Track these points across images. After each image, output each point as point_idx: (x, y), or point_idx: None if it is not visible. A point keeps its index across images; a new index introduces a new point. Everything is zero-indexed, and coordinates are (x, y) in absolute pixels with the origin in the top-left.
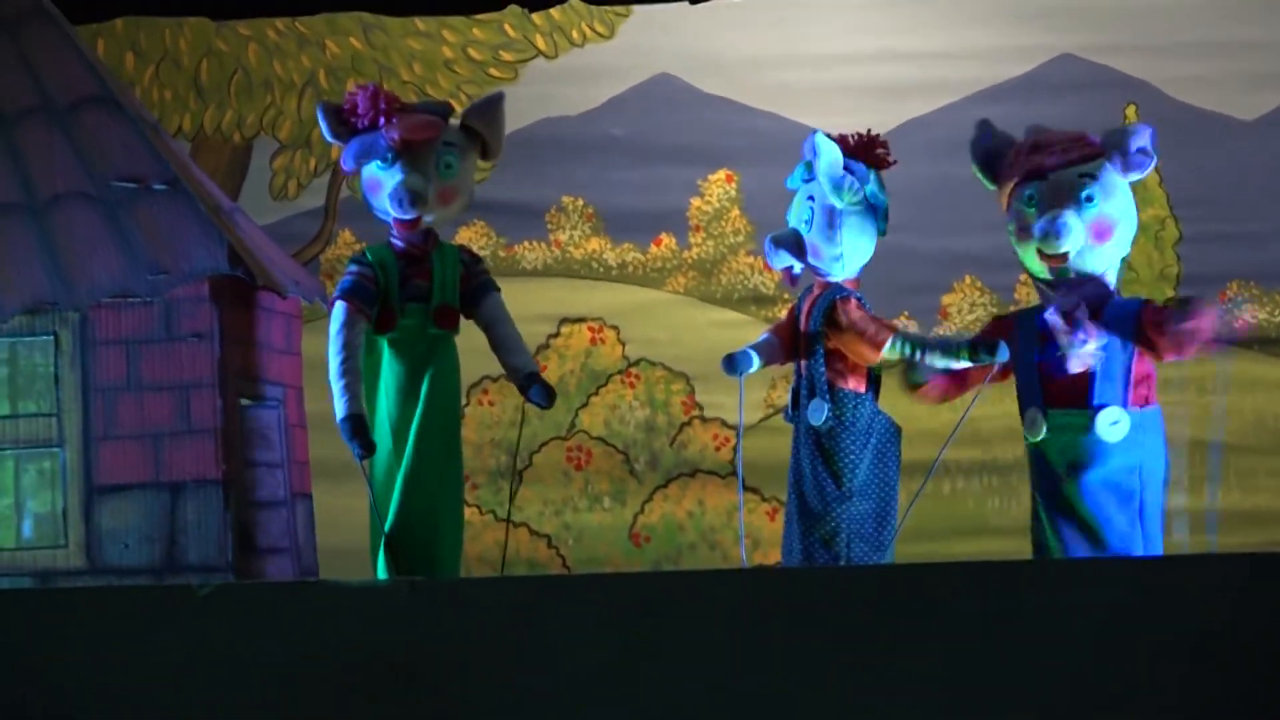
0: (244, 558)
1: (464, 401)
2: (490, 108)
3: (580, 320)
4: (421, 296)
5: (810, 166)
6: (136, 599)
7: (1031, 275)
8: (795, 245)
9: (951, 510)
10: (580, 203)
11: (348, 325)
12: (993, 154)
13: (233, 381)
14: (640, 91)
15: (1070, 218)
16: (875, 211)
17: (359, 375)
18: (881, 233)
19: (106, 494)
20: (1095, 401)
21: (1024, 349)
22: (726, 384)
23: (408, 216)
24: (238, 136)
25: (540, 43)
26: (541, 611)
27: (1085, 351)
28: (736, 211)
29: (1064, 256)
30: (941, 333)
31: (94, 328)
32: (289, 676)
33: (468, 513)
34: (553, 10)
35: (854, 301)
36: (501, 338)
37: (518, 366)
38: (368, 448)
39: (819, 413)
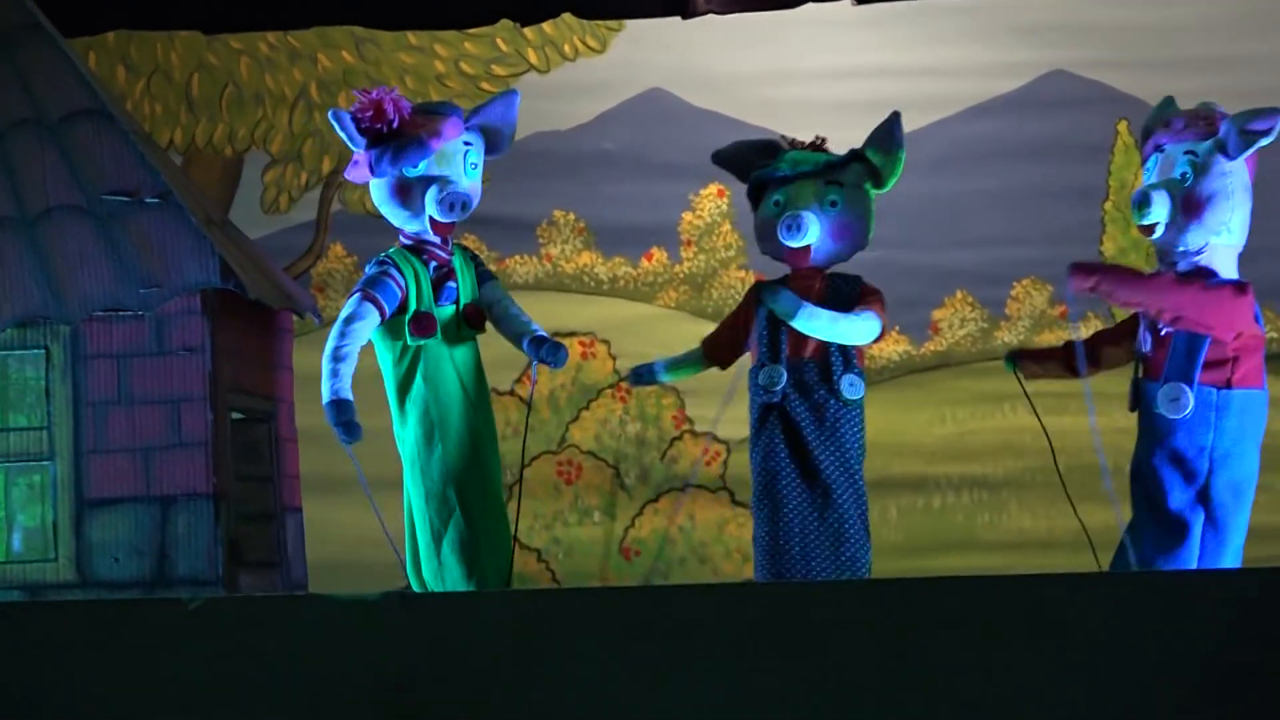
0: (234, 571)
1: None
2: (503, 104)
3: (571, 334)
4: (453, 299)
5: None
6: (126, 612)
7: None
8: None
9: (941, 525)
10: (571, 217)
11: (358, 313)
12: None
13: (224, 395)
14: (632, 106)
15: (1157, 192)
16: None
17: (352, 362)
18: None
19: (97, 507)
20: (1163, 377)
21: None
22: (717, 398)
23: (455, 220)
24: (229, 150)
25: (532, 57)
26: (532, 625)
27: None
28: (728, 226)
29: (1150, 229)
30: (932, 349)
31: (85, 341)
32: (279, 690)
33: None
34: (545, 25)
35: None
36: (502, 314)
37: (520, 334)
38: (353, 431)
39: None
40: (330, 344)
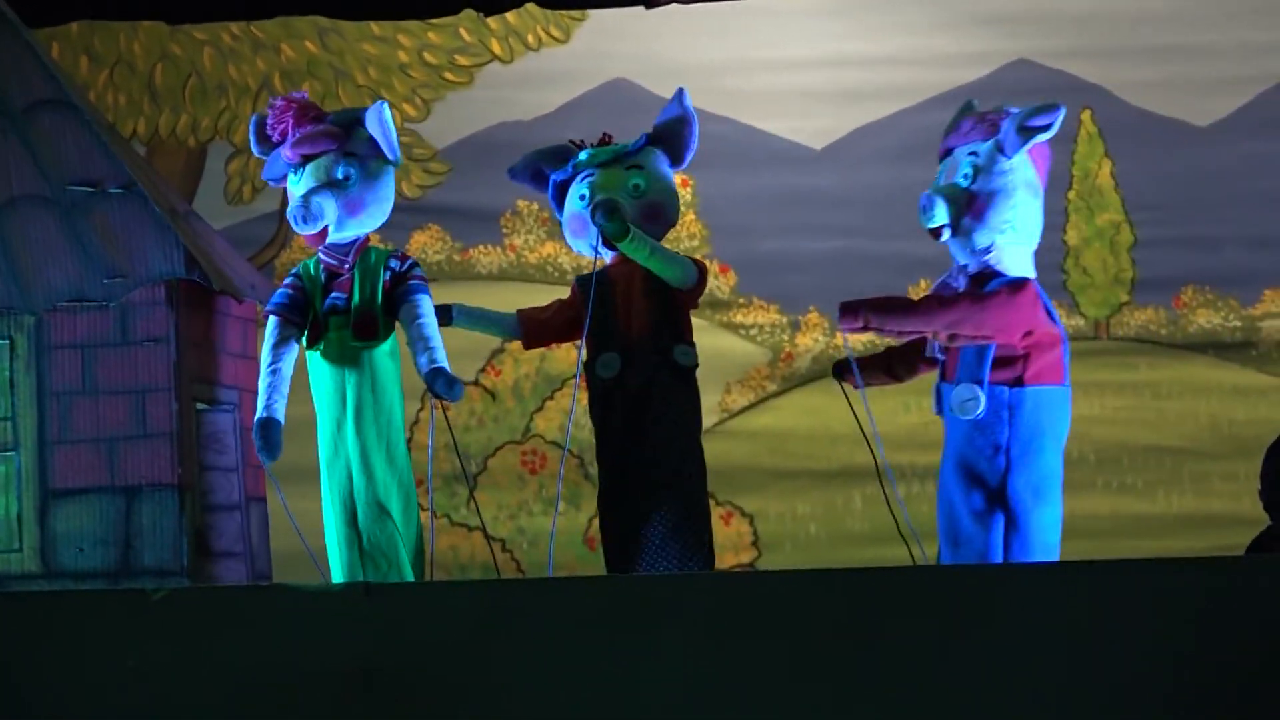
0: (199, 561)
1: (419, 406)
2: (376, 113)
3: None
4: (342, 309)
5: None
6: (91, 603)
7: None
8: None
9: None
10: (535, 207)
11: (273, 334)
12: None
13: (188, 386)
14: (596, 96)
15: (937, 195)
16: None
17: (281, 380)
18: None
19: (61, 498)
20: (955, 379)
21: None
22: None
23: (305, 231)
24: (192, 141)
25: (495, 47)
26: (497, 615)
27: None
28: (691, 216)
29: (936, 232)
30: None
31: (49, 332)
32: (244, 680)
33: (422, 516)
34: (508, 14)
35: None
36: (411, 339)
37: (419, 366)
38: (271, 453)
39: None
40: (261, 368)
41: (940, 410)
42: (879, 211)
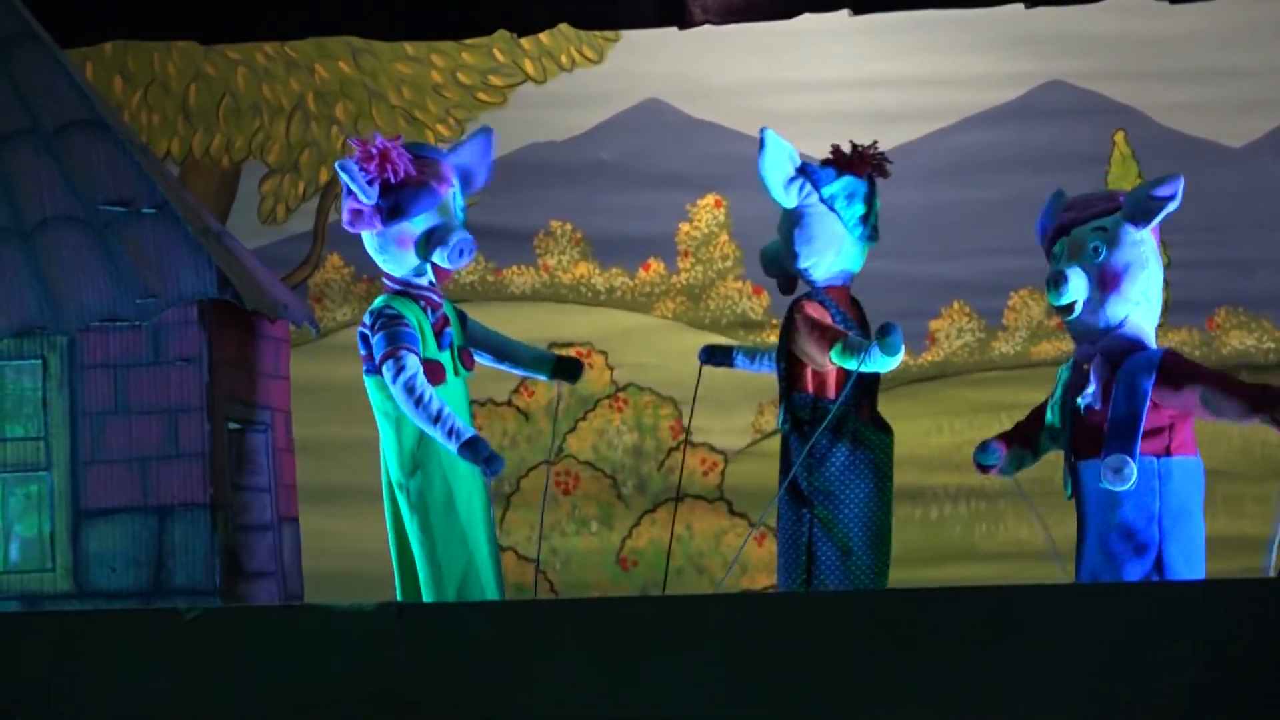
0: (231, 581)
1: None
2: (481, 148)
3: (568, 345)
4: (450, 344)
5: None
6: (123, 623)
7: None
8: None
9: (939, 535)
10: (569, 227)
11: (415, 370)
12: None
13: (221, 405)
14: (628, 116)
15: (1070, 270)
16: (838, 215)
17: (448, 407)
18: (865, 238)
19: (94, 517)
20: (1104, 451)
21: (1069, 397)
22: (714, 409)
23: (462, 266)
24: (226, 160)
25: (529, 67)
26: (529, 636)
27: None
28: (725, 236)
29: (1069, 308)
30: (929, 359)
31: (82, 351)
32: (276, 701)
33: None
34: (541, 35)
35: (811, 303)
36: (502, 345)
37: (539, 355)
38: (495, 463)
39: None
40: (421, 410)
41: (1075, 492)
42: (911, 233)
